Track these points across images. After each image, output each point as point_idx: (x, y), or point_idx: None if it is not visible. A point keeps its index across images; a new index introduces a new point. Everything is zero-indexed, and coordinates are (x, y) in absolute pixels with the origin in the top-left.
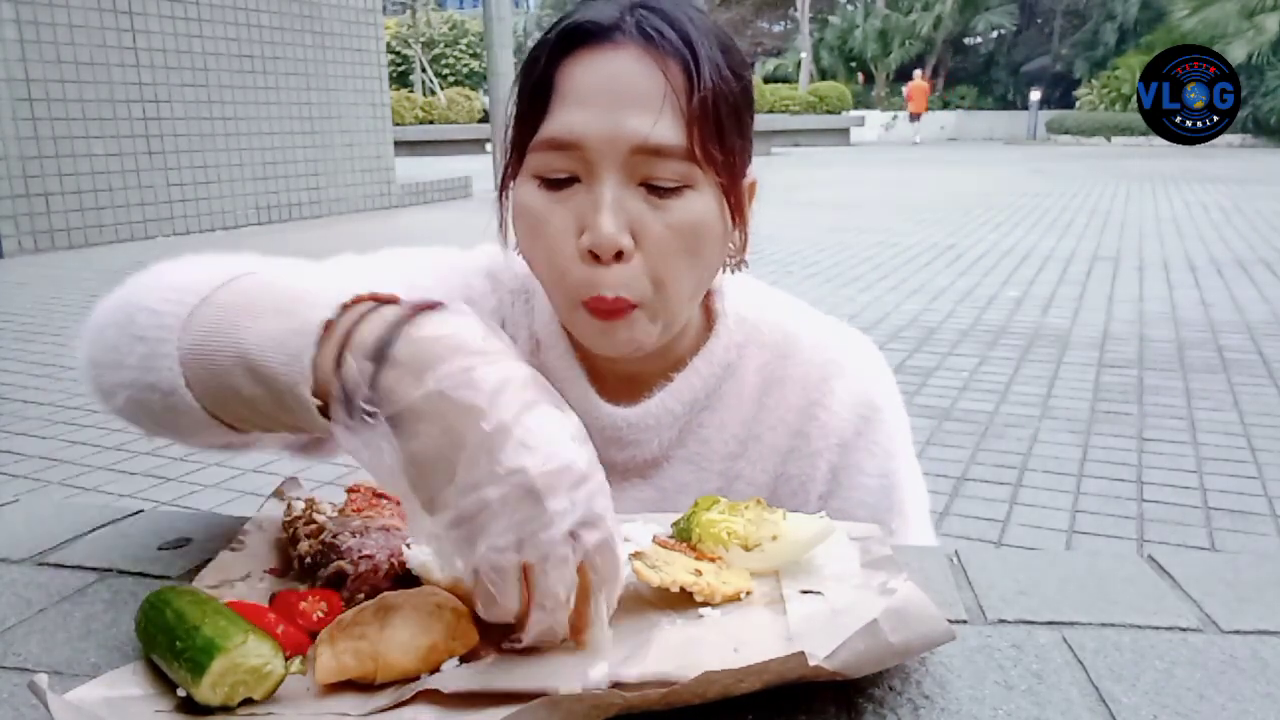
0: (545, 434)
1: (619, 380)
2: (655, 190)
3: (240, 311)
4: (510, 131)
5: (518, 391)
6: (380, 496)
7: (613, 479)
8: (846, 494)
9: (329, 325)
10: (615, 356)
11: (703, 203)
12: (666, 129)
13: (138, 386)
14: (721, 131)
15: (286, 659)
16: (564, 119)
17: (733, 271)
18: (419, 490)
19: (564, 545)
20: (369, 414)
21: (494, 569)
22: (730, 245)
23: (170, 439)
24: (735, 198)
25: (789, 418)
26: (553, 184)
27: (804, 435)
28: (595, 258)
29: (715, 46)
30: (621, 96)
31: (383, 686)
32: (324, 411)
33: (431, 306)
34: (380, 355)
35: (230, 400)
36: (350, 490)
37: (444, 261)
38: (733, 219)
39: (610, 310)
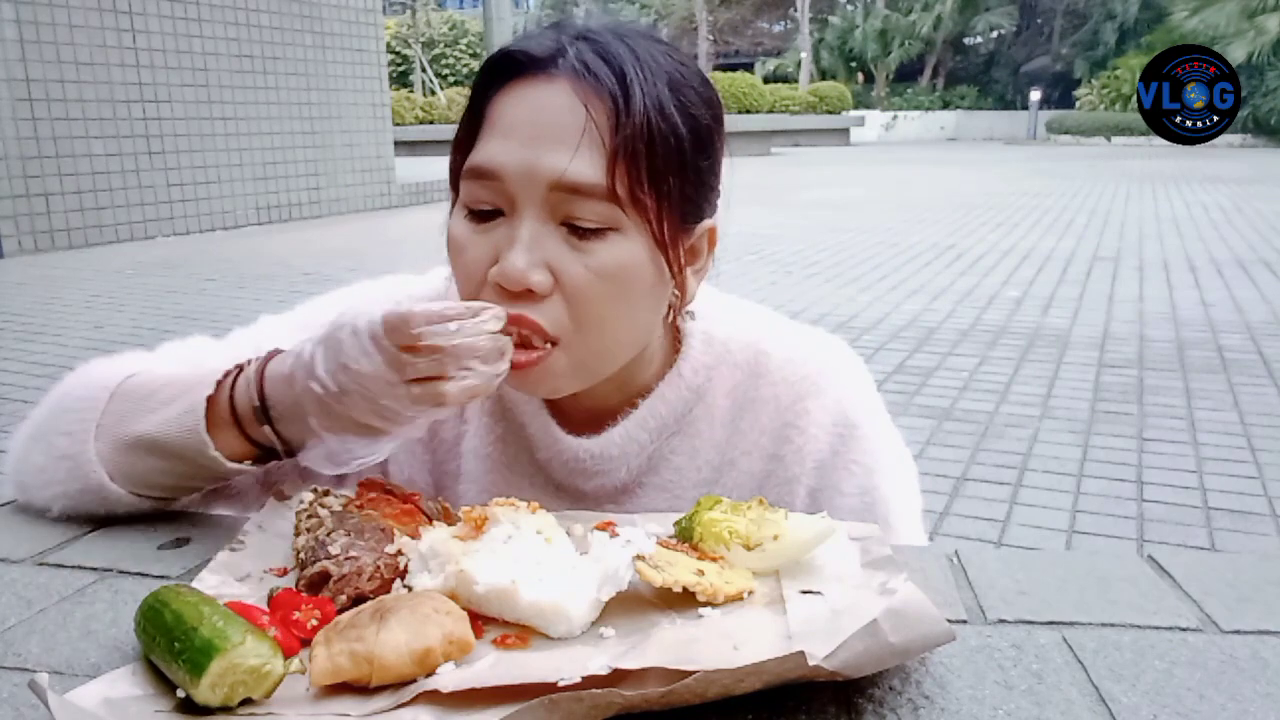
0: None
1: (581, 411)
2: (576, 231)
3: (137, 411)
4: (450, 158)
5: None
6: (389, 493)
7: (584, 506)
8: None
9: (211, 399)
10: (539, 396)
11: (628, 248)
12: (584, 167)
13: (70, 495)
14: (656, 174)
15: (285, 658)
16: (487, 149)
17: (674, 321)
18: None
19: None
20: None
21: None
22: (674, 294)
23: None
24: (672, 247)
25: (763, 441)
26: (478, 216)
27: (779, 459)
28: (505, 291)
29: (663, 84)
30: (543, 131)
31: (378, 689)
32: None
33: (270, 357)
34: (263, 414)
35: (151, 478)
36: (361, 485)
37: (360, 299)
38: (670, 269)
39: (514, 326)
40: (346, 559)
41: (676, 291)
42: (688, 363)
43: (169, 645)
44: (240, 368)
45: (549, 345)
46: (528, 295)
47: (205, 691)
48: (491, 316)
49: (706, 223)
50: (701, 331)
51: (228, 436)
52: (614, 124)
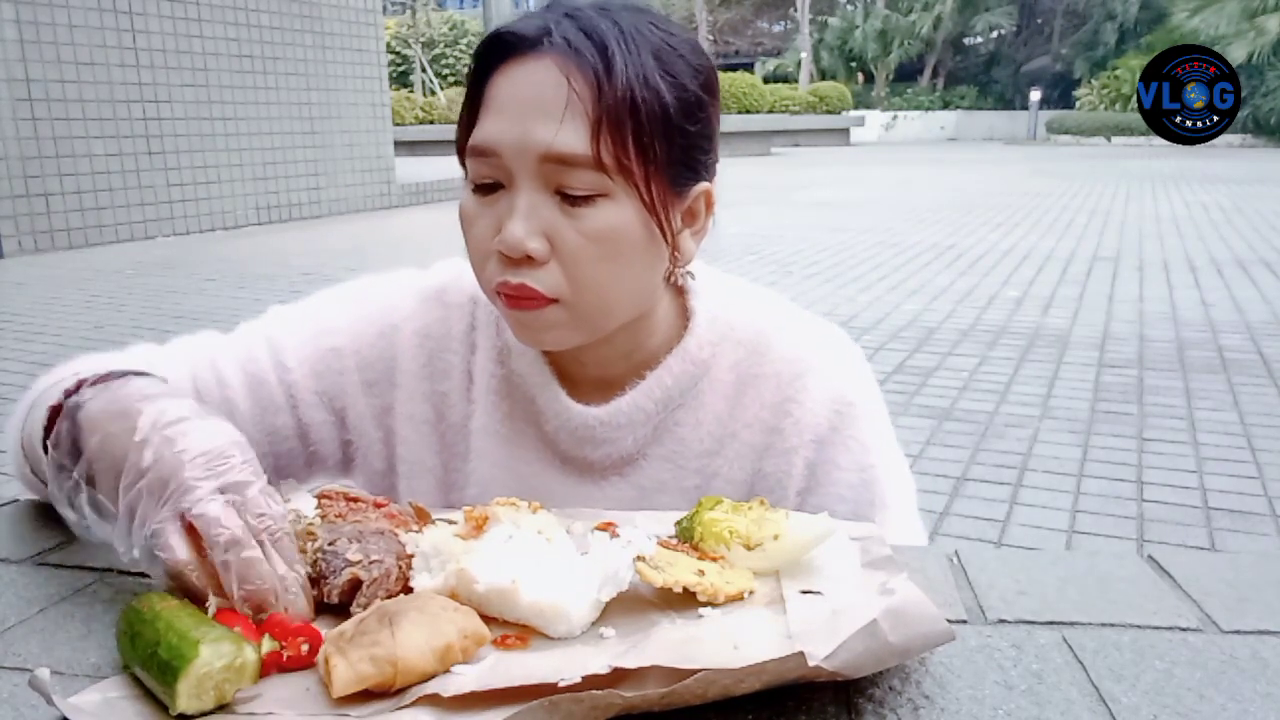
0: (186, 435)
1: (590, 381)
2: (569, 198)
3: (34, 408)
4: (456, 137)
5: (167, 417)
6: (353, 500)
7: (590, 477)
8: (825, 490)
9: (52, 409)
10: (544, 349)
11: (618, 212)
12: (570, 138)
13: (24, 483)
14: (641, 142)
15: (254, 643)
16: (484, 128)
17: (674, 281)
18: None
19: (211, 503)
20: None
21: (155, 537)
22: (675, 254)
23: None
24: (662, 210)
25: (764, 415)
26: (483, 189)
27: (779, 432)
28: (508, 258)
29: (648, 54)
30: (532, 106)
31: (399, 691)
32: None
33: (106, 378)
34: (74, 423)
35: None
36: (321, 496)
37: (369, 293)
38: (661, 231)
39: (516, 296)
40: (372, 563)
41: (674, 253)
42: (694, 338)
43: (143, 667)
44: (81, 383)
45: (549, 301)
46: (528, 261)
47: (189, 703)
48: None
49: (701, 185)
50: (708, 310)
51: None
52: (597, 95)
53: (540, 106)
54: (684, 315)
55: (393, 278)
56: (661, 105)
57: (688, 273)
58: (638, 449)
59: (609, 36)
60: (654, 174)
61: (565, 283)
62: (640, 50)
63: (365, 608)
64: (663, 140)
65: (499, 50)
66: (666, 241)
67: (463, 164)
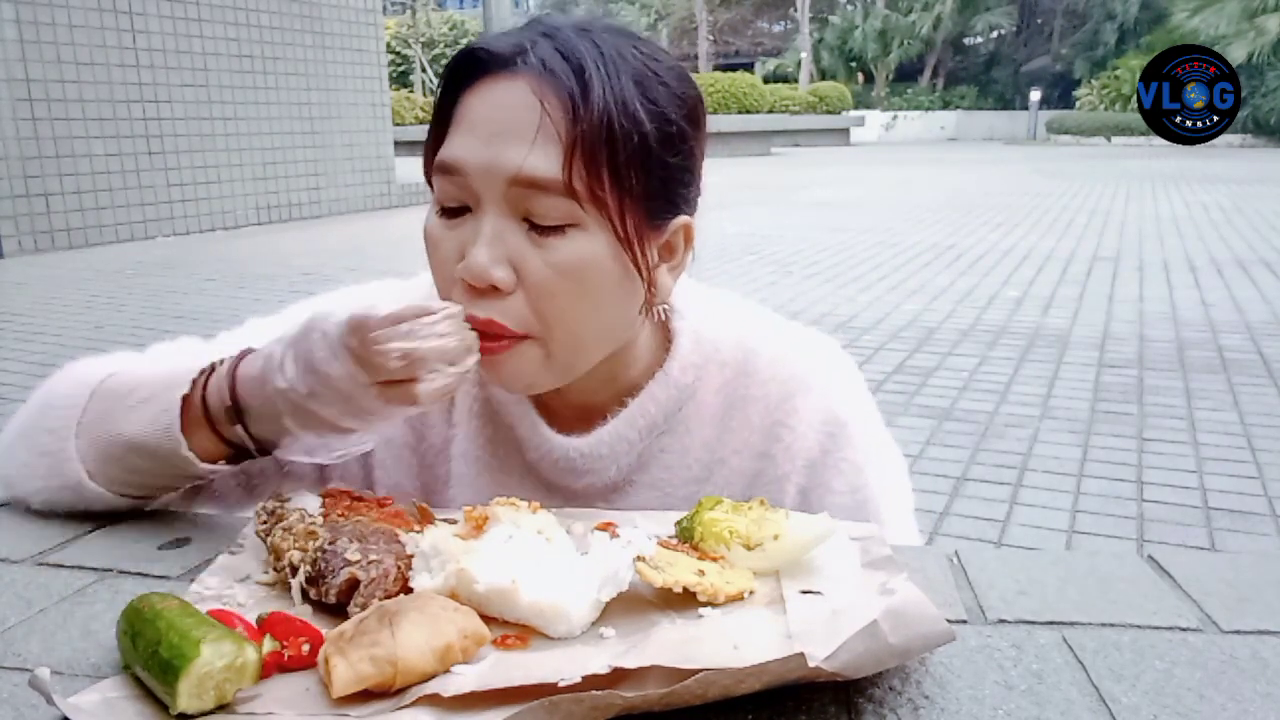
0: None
1: (570, 410)
2: (537, 228)
3: (115, 411)
4: (423, 155)
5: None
6: (357, 499)
7: (574, 505)
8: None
9: (186, 399)
10: (516, 393)
11: (590, 244)
12: (540, 161)
13: (50, 490)
14: (617, 171)
15: (255, 644)
16: (452, 145)
17: (648, 319)
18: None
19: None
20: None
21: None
22: (648, 291)
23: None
24: (638, 244)
25: (753, 439)
26: (449, 212)
27: (770, 458)
28: (473, 288)
29: (628, 80)
30: (503, 127)
31: (399, 691)
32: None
33: (241, 357)
34: (235, 414)
35: (128, 477)
36: (326, 495)
37: (342, 301)
38: (636, 266)
39: (484, 335)
40: (370, 563)
41: (649, 289)
42: (677, 361)
43: (144, 666)
44: (213, 367)
45: (520, 338)
46: (493, 291)
47: (189, 702)
48: (444, 316)
49: (681, 219)
50: (691, 330)
51: (201, 436)
52: (572, 119)
53: (511, 127)
54: (666, 337)
55: (373, 290)
56: (640, 134)
57: (667, 308)
58: (622, 477)
59: (587, 59)
60: (629, 205)
61: (533, 316)
62: (620, 75)
63: (363, 608)
64: (640, 170)
65: (472, 67)
66: (641, 277)
67: (429, 182)
